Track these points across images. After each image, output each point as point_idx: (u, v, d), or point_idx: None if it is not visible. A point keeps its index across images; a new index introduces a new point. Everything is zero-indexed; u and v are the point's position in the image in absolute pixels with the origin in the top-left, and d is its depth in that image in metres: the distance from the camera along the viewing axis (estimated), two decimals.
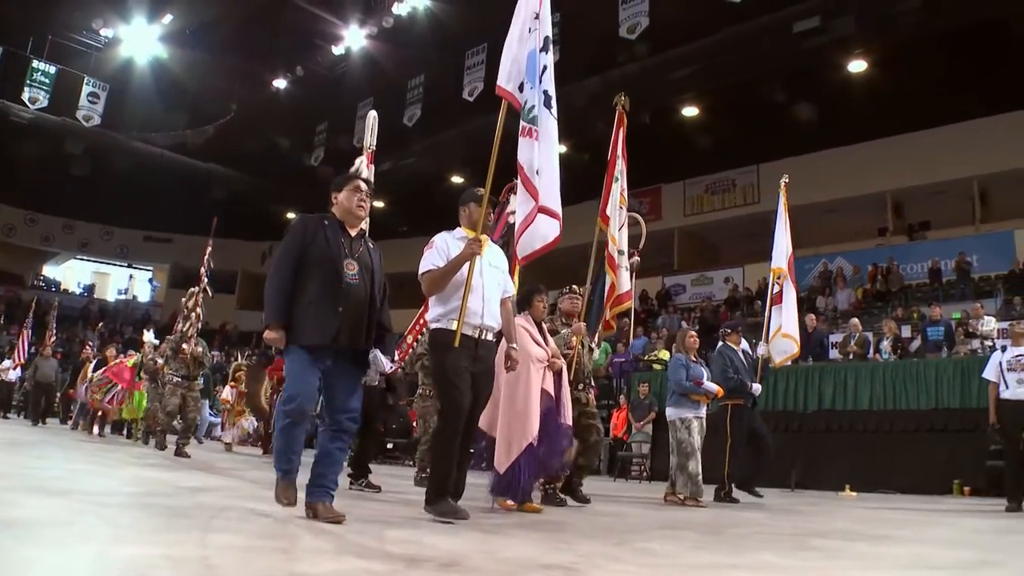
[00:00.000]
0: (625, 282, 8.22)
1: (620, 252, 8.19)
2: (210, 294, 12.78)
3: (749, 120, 22.44)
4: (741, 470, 9.23)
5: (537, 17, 5.84)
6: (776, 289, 10.68)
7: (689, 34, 19.18)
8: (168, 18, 23.44)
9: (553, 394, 6.51)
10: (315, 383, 4.47)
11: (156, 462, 9.46)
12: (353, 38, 23.07)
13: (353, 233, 4.75)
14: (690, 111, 21.87)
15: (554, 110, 5.96)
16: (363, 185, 4.84)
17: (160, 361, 13.30)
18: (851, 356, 14.08)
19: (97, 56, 25.24)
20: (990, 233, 22.34)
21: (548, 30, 5.94)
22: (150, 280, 38.32)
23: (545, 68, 5.89)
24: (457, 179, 27.14)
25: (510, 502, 6.07)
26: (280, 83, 25.64)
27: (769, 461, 9.72)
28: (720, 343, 9.82)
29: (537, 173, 5.77)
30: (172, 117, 27.45)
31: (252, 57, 24.48)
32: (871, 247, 23.50)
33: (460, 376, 4.99)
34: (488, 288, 5.19)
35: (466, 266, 5.01)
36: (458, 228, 5.41)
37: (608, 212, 8.15)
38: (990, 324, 14.63)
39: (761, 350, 10.39)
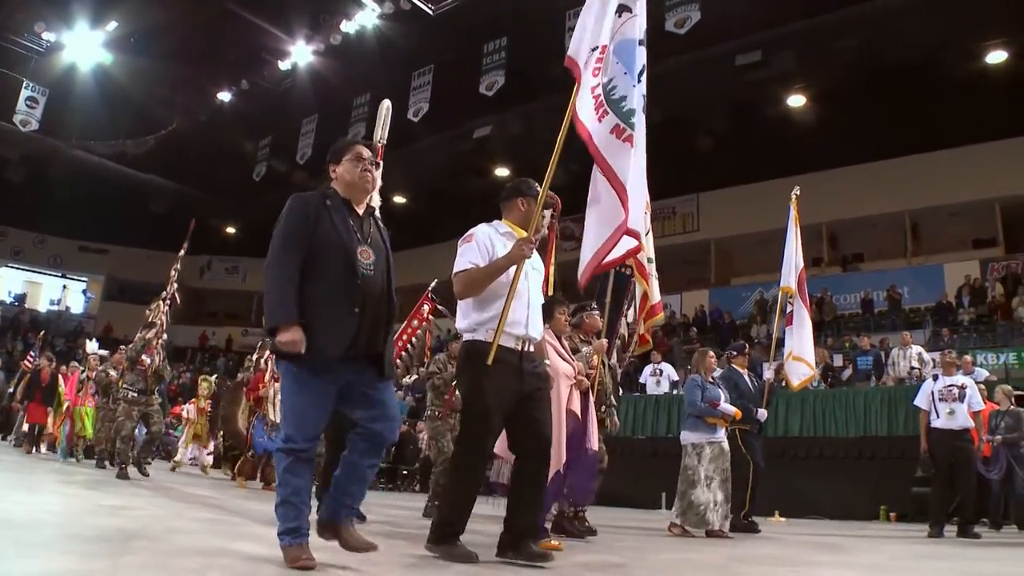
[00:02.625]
0: (657, 292, 7.70)
1: (649, 260, 7.62)
2: (178, 301, 11.90)
3: (690, 149, 22.78)
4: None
5: (629, 10, 5.10)
6: (789, 309, 10.29)
7: None
8: (113, 25, 23.01)
9: (580, 415, 6.01)
10: (325, 412, 3.67)
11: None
12: (300, 54, 22.95)
13: (360, 211, 3.89)
14: None
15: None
16: (365, 152, 3.95)
17: (113, 373, 12.55)
18: (783, 384, 14.34)
19: (38, 60, 24.68)
20: (921, 266, 22.98)
21: (644, 22, 5.18)
22: (84, 291, 37.48)
23: (643, 70, 5.10)
24: (399, 199, 27.17)
25: (552, 543, 5.26)
26: (225, 96, 25.36)
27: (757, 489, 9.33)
28: (726, 366, 9.45)
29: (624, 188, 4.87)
30: (113, 126, 26.96)
31: (197, 68, 24.21)
32: (810, 277, 23.91)
33: (498, 409, 4.21)
34: (533, 294, 4.49)
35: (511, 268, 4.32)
36: (498, 221, 4.65)
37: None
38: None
39: (768, 374, 10.12)
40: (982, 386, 11.19)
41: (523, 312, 4.35)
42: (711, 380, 8.30)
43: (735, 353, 9.57)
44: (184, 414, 15.72)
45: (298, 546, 3.47)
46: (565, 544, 5.56)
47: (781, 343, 10.46)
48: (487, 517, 5.23)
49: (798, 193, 10.74)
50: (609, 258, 5.19)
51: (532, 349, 4.44)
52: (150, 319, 11.49)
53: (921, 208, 23.28)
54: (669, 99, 19.79)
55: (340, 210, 3.77)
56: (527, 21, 19.31)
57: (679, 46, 17.87)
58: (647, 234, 7.33)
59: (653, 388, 15.89)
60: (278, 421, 11.24)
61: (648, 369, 16.40)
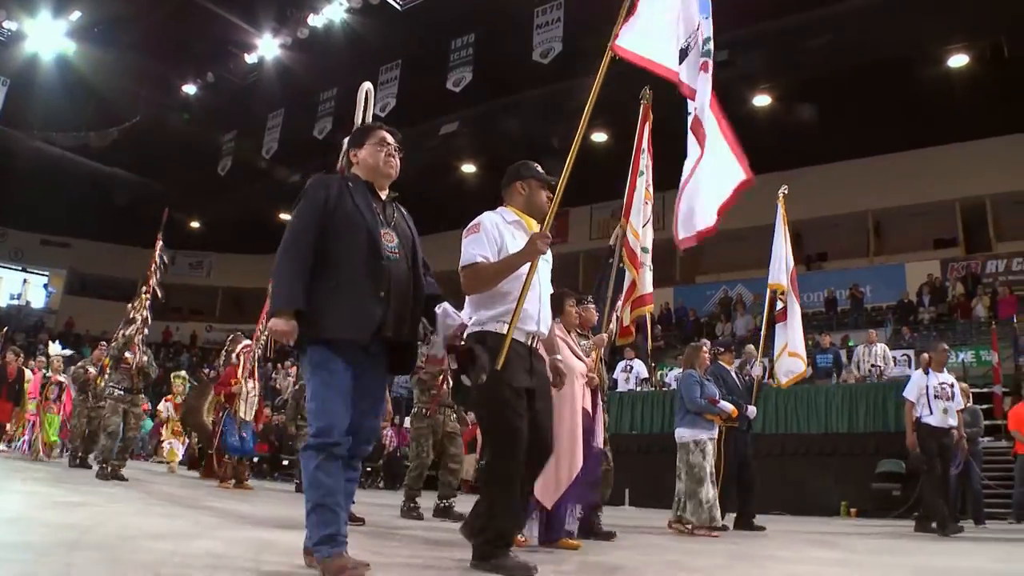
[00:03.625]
0: (648, 282, 7.39)
1: (644, 250, 7.37)
2: (159, 295, 11.34)
3: (655, 147, 22.78)
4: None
5: None
6: (780, 306, 10.22)
7: (601, 62, 19.48)
8: (76, 14, 22.64)
9: (591, 414, 5.84)
10: (348, 402, 3.38)
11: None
12: (267, 47, 22.77)
13: (383, 196, 3.74)
14: (599, 136, 22.22)
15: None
16: (389, 137, 3.79)
17: (92, 371, 12.26)
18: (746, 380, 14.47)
19: None
20: (883, 265, 23.31)
21: None
22: (45, 285, 36.95)
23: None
24: None
25: (530, 538, 5.27)
26: (190, 88, 25.08)
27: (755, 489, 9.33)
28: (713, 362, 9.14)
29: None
30: (76, 117, 26.55)
31: (162, 60, 23.91)
32: (762, 276, 24.14)
33: (519, 398, 3.95)
34: (544, 286, 4.24)
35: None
36: (503, 208, 4.33)
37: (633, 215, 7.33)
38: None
39: (756, 371, 10.00)
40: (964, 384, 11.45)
41: (535, 306, 4.13)
42: (707, 377, 8.22)
43: (722, 350, 9.54)
44: (162, 412, 15.40)
45: (339, 555, 3.18)
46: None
47: (770, 340, 10.42)
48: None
49: (786, 192, 10.74)
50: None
51: (540, 345, 4.26)
52: (132, 315, 11.18)
53: (884, 208, 23.68)
54: (637, 102, 19.93)
55: (363, 193, 3.62)
56: (495, 18, 19.32)
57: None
58: (646, 224, 7.43)
59: (623, 385, 15.94)
60: (248, 419, 11.05)
61: (620, 365, 16.47)
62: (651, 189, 7.69)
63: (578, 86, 20.23)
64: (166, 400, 15.27)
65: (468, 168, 27.11)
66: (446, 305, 3.70)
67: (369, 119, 6.58)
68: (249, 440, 11.17)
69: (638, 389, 15.73)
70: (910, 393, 9.18)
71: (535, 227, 4.22)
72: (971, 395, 12.10)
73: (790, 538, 7.97)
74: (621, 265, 7.18)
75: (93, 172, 27.78)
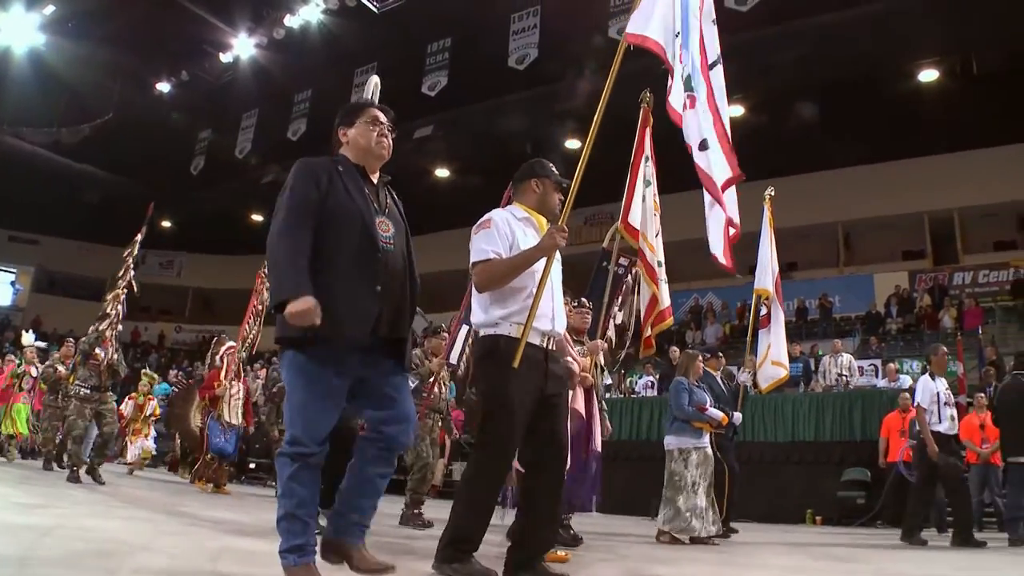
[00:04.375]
0: (666, 296, 7.28)
1: (660, 263, 7.23)
2: (135, 289, 10.85)
3: (627, 155, 22.93)
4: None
5: None
6: (763, 311, 10.05)
7: (577, 69, 19.59)
8: (50, 8, 22.44)
9: (584, 415, 5.70)
10: (336, 410, 3.15)
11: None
12: (242, 47, 22.67)
13: (375, 180, 3.48)
14: (572, 143, 22.30)
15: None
16: (381, 115, 3.51)
17: (61, 369, 11.91)
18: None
19: None
20: (852, 275, 23.56)
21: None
22: (12, 283, 36.48)
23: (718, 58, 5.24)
24: None
25: (564, 552, 5.10)
26: (164, 86, 24.94)
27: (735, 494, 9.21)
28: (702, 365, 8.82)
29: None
30: (47, 113, 26.30)
31: (136, 57, 23.73)
32: (741, 284, 24.33)
33: (521, 410, 3.75)
34: (556, 285, 4.08)
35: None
36: (513, 205, 4.20)
37: (631, 220, 7.09)
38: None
39: (742, 377, 9.92)
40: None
41: (549, 305, 3.92)
42: (697, 384, 8.08)
43: (708, 356, 9.31)
44: (122, 409, 15.08)
45: (304, 566, 3.02)
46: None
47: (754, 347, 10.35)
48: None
49: (772, 194, 10.60)
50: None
51: (555, 346, 4.04)
52: (106, 310, 10.79)
53: (853, 220, 23.96)
54: (608, 106, 20.05)
55: (354, 176, 3.35)
56: (472, 23, 19.37)
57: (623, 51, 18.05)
58: (657, 235, 7.28)
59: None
60: (234, 422, 10.85)
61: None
62: (658, 199, 7.54)
63: (553, 92, 20.40)
64: (129, 398, 14.83)
65: (442, 172, 27.13)
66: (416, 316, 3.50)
67: None
68: (233, 442, 10.94)
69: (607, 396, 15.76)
70: (923, 399, 8.53)
71: (545, 225, 4.07)
72: None
73: (758, 547, 8.01)
74: (611, 267, 7.03)
75: (63, 169, 27.50)
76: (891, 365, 14.73)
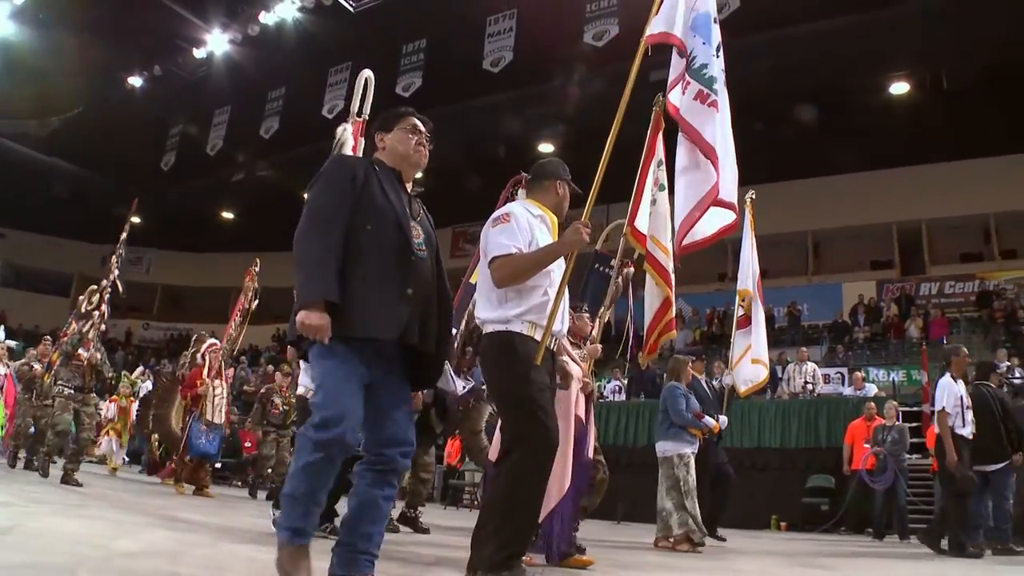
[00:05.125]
0: (674, 304, 7.14)
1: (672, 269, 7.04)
2: (120, 290, 10.51)
3: (596, 162, 22.97)
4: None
5: None
6: (740, 312, 10.10)
7: (550, 73, 19.65)
8: None
9: (584, 421, 5.55)
10: (361, 398, 3.01)
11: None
12: (216, 43, 22.45)
13: (409, 188, 3.43)
14: (546, 147, 22.34)
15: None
16: (420, 124, 3.47)
17: (37, 367, 11.62)
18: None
19: None
20: (821, 284, 23.79)
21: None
22: None
23: (719, 47, 5.25)
24: None
25: (536, 559, 4.91)
26: (136, 81, 24.61)
27: (728, 500, 9.27)
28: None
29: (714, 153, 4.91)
30: (15, 104, 25.96)
31: (109, 50, 23.44)
32: (711, 291, 24.52)
33: (548, 398, 3.71)
34: (563, 285, 3.95)
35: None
36: (527, 201, 4.14)
37: (637, 224, 6.99)
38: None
39: (727, 380, 9.90)
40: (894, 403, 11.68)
41: (559, 305, 3.86)
42: (688, 390, 8.05)
43: (693, 359, 9.20)
44: (103, 412, 14.66)
45: (297, 548, 2.89)
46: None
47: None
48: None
49: (753, 197, 10.63)
50: (701, 232, 5.20)
51: (556, 347, 4.01)
52: (83, 309, 10.52)
53: (823, 229, 24.24)
54: (583, 111, 20.10)
55: (390, 179, 3.28)
56: (447, 24, 19.34)
57: (596, 58, 18.13)
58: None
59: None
60: (216, 421, 10.66)
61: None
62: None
63: (527, 96, 20.43)
64: (111, 400, 14.66)
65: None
66: (447, 368, 3.38)
67: (367, 108, 6.47)
68: (216, 443, 10.76)
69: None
70: (947, 403, 8.08)
71: (557, 226, 4.05)
72: (900, 413, 12.39)
73: (749, 555, 8.01)
74: (604, 270, 6.96)
75: (31, 161, 27.13)
76: (857, 373, 14.88)
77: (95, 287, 10.56)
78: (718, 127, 5.08)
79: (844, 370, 16.54)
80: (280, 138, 22.79)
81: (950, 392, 8.10)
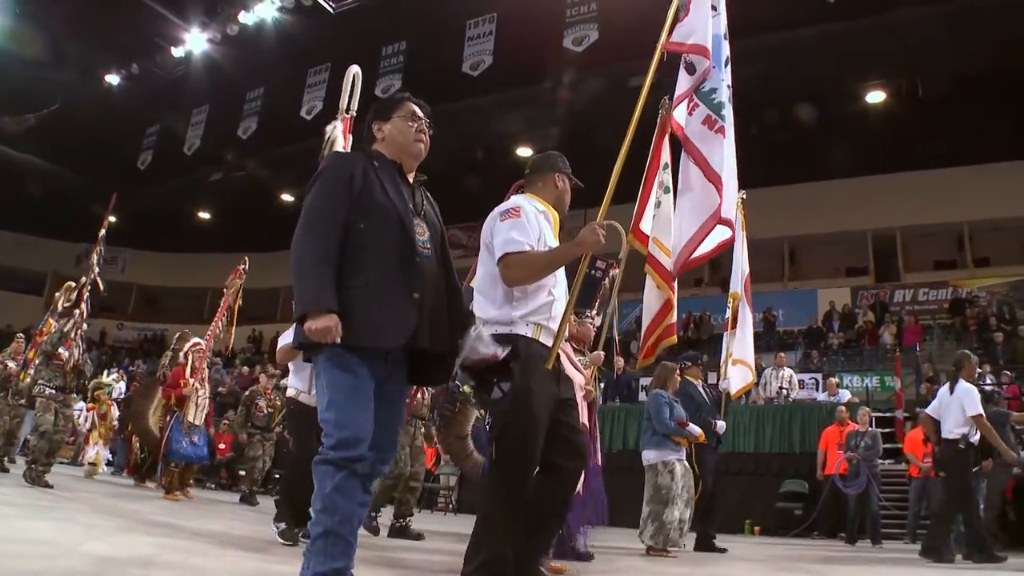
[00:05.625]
0: (675, 309, 7.05)
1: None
2: (101, 287, 10.19)
3: (577, 165, 23.05)
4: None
5: (715, 8, 5.25)
6: (728, 315, 10.03)
7: (529, 77, 19.68)
8: None
9: (589, 428, 5.40)
10: (372, 409, 2.88)
11: None
12: (195, 42, 22.30)
13: (410, 180, 3.24)
14: (524, 151, 22.35)
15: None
16: (419, 110, 3.28)
17: (12, 365, 11.17)
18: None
19: None
20: (797, 290, 23.93)
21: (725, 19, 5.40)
22: None
23: (728, 61, 5.30)
24: (288, 197, 26.78)
25: (559, 564, 4.89)
26: (113, 78, 24.41)
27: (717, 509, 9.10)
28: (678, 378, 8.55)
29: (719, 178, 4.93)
30: None
31: (86, 47, 23.24)
32: (687, 296, 24.59)
33: (543, 413, 3.48)
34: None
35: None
36: (530, 196, 3.92)
37: (643, 227, 6.88)
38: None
39: (724, 384, 9.81)
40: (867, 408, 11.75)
41: (570, 309, 3.73)
42: (675, 397, 7.98)
43: (688, 364, 9.07)
44: (83, 422, 14.42)
45: None
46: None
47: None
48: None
49: (744, 197, 10.39)
50: (701, 250, 5.17)
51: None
52: (60, 306, 10.38)
53: (799, 235, 24.38)
54: (562, 115, 20.14)
55: (391, 174, 3.11)
56: (427, 27, 19.33)
57: (576, 63, 18.18)
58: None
59: None
60: (197, 423, 10.27)
61: None
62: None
63: (505, 100, 20.45)
64: (89, 410, 14.28)
65: None
66: (483, 332, 3.25)
67: (355, 104, 6.33)
68: (203, 445, 10.40)
69: None
70: (980, 407, 8.04)
71: (559, 222, 3.92)
72: (873, 419, 12.51)
73: (719, 560, 8.05)
74: (594, 273, 6.74)
75: (5, 158, 26.85)
76: (831, 379, 14.98)
77: (72, 284, 10.38)
78: (725, 152, 5.12)
79: (819, 376, 16.67)
80: (258, 138, 22.69)
81: (978, 397, 8.08)
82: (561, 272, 3.77)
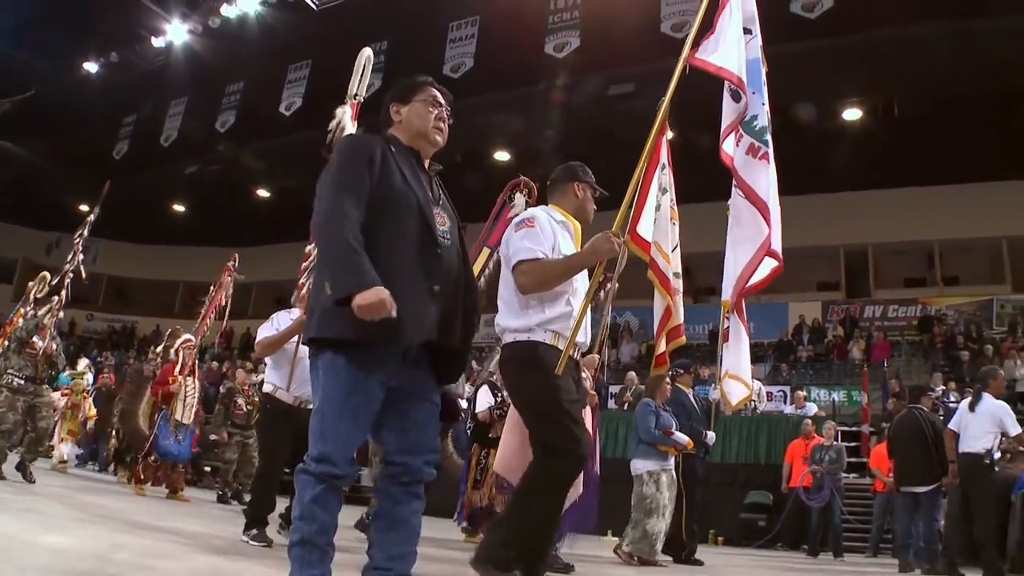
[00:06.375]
0: (681, 312, 6.99)
1: (676, 275, 6.93)
2: (83, 275, 10.22)
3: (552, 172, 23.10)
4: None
5: (749, 32, 5.18)
6: (725, 325, 9.88)
7: (510, 81, 19.71)
8: None
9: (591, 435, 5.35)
10: (369, 421, 2.75)
11: None
12: (176, 33, 22.15)
13: (427, 167, 3.07)
14: (502, 156, 22.36)
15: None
16: (440, 95, 3.11)
17: None
18: (625, 407, 14.68)
19: None
20: (768, 303, 24.05)
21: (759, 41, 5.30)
22: None
23: (764, 83, 5.22)
24: (263, 192, 26.68)
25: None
26: (91, 66, 24.20)
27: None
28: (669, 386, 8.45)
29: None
30: None
31: (64, 34, 23.04)
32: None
33: (576, 408, 3.66)
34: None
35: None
36: (550, 207, 4.03)
37: (640, 231, 6.50)
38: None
39: (714, 395, 9.36)
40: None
41: (585, 316, 3.78)
42: (664, 407, 7.95)
43: (680, 371, 8.90)
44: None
45: None
46: None
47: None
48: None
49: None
50: (754, 279, 5.28)
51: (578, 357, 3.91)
52: (33, 296, 10.23)
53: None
54: (542, 121, 20.17)
55: (408, 160, 2.93)
56: (410, 28, 19.32)
57: (557, 69, 18.23)
58: (675, 249, 6.99)
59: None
60: (185, 421, 10.13)
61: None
62: (676, 207, 7.28)
63: (485, 103, 20.46)
64: (62, 394, 13.55)
65: None
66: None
67: (363, 90, 6.26)
68: (187, 444, 10.26)
69: None
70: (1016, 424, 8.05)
71: (579, 231, 3.96)
72: (839, 433, 12.62)
73: (683, 570, 8.06)
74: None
75: None
76: (799, 392, 15.12)
77: (47, 274, 10.29)
78: (770, 178, 5.24)
79: (787, 388, 16.81)
80: (236, 132, 22.56)
81: (1011, 413, 8.06)
82: (582, 283, 3.87)
